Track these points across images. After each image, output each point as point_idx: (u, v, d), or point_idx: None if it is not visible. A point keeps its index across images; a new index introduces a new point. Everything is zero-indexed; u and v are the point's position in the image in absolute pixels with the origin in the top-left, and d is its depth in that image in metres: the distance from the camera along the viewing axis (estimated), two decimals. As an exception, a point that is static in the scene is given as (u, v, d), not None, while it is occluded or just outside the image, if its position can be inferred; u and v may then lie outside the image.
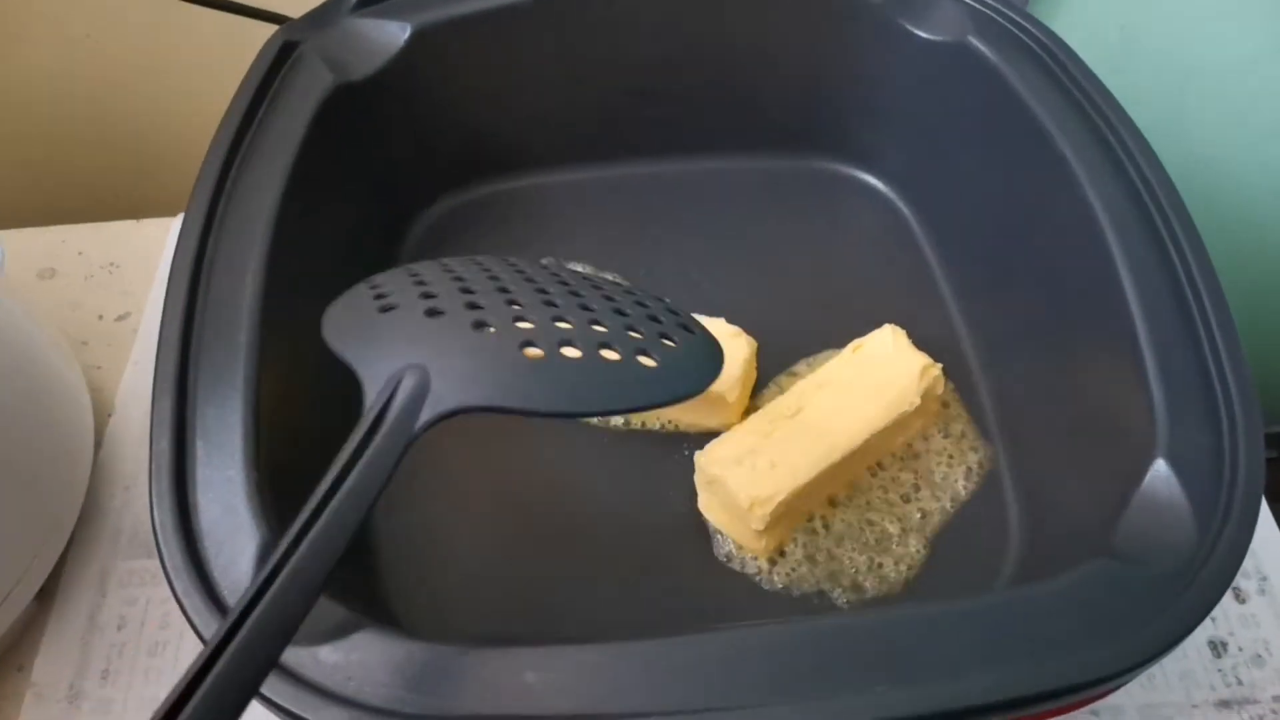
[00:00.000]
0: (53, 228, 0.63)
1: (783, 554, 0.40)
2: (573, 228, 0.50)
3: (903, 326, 0.43)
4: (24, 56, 0.65)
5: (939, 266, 0.47)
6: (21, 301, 0.49)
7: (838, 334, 0.44)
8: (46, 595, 0.48)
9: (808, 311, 0.46)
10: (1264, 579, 0.48)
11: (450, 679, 0.27)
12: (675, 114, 0.49)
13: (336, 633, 0.28)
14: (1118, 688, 0.29)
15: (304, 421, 0.36)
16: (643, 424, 0.43)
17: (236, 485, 0.31)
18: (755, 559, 0.40)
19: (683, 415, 0.43)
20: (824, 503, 0.41)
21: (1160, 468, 0.31)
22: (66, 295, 0.59)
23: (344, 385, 0.39)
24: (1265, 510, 0.50)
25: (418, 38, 0.44)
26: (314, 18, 0.44)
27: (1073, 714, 0.43)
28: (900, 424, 0.41)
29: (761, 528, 0.38)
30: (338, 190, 0.43)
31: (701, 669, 0.27)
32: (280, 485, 0.32)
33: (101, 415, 0.53)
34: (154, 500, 0.30)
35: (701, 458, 0.40)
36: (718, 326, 0.42)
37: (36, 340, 0.49)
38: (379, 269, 0.45)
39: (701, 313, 0.42)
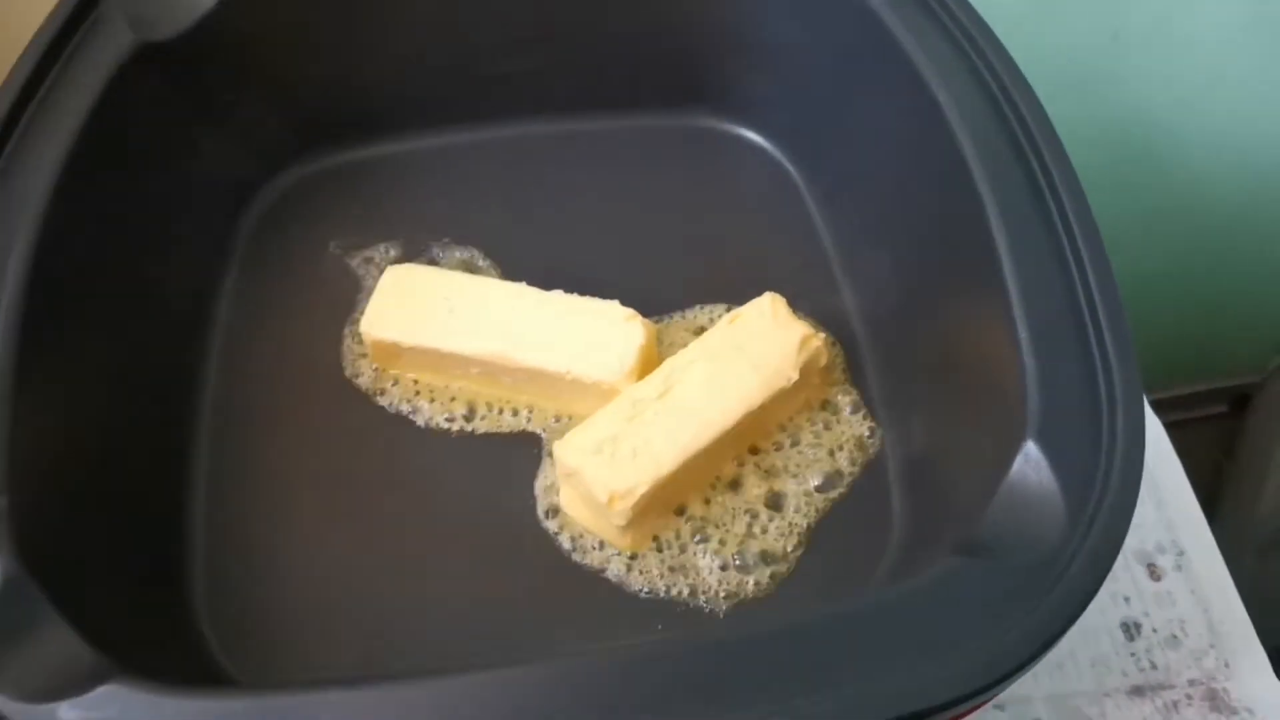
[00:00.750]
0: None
1: (654, 549, 0.36)
2: (433, 199, 0.45)
3: (789, 295, 0.39)
4: None
5: (826, 229, 0.43)
6: None
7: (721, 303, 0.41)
8: None
9: (687, 282, 0.42)
10: (1180, 553, 0.45)
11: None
12: (540, 68, 0.45)
13: (81, 684, 0.24)
14: (982, 704, 0.25)
15: (84, 441, 0.32)
16: (514, 411, 0.39)
17: (-24, 511, 0.27)
18: (617, 556, 0.36)
19: (572, 404, 0.39)
20: (696, 491, 0.37)
21: (1030, 451, 0.28)
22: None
23: (133, 393, 0.36)
24: (1184, 482, 0.47)
25: (237, -14, 0.39)
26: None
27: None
28: (778, 401, 0.38)
29: (624, 523, 0.35)
30: (149, 164, 0.38)
31: (529, 705, 0.24)
32: (37, 511, 0.28)
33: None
34: None
35: (559, 448, 0.36)
36: (611, 310, 0.39)
37: None
38: (204, 250, 0.42)
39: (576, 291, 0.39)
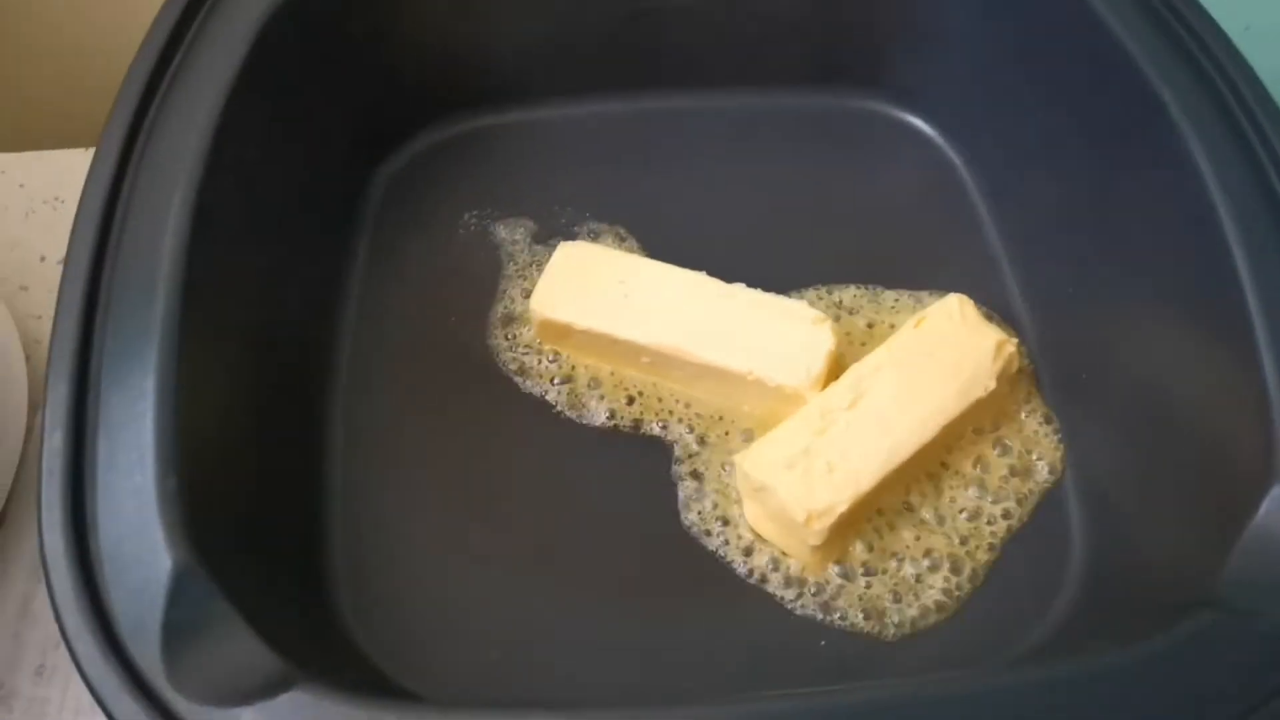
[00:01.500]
0: (-11, 156, 0.56)
1: (835, 569, 0.34)
2: (571, 172, 0.43)
3: (959, 292, 0.37)
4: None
5: (993, 226, 0.41)
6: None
7: (884, 306, 0.39)
8: (-27, 578, 0.44)
9: (839, 264, 0.40)
10: None
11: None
12: (689, 39, 0.42)
13: (264, 690, 0.23)
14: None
15: (235, 416, 0.30)
16: (669, 411, 0.37)
17: (146, 496, 0.25)
18: (775, 569, 0.34)
19: (746, 403, 0.37)
20: (887, 507, 0.36)
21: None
22: (4, 233, 0.53)
23: (272, 371, 0.34)
24: None
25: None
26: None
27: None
28: (974, 411, 0.36)
29: (819, 543, 0.33)
30: (286, 127, 0.36)
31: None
32: (202, 496, 0.26)
33: (39, 374, 0.48)
34: (42, 516, 0.25)
35: (746, 462, 0.34)
36: (798, 310, 0.37)
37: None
38: (336, 220, 0.40)
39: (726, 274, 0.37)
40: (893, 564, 0.34)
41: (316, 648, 0.29)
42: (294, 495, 0.34)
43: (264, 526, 0.30)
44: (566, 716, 0.23)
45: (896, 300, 0.40)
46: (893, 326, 0.39)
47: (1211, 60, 0.32)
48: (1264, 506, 0.25)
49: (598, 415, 0.37)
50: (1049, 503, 0.35)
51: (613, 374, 0.38)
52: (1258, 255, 0.28)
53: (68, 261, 0.28)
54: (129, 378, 0.27)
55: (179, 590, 0.24)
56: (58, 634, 0.42)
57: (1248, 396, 0.27)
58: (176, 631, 0.24)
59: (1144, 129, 0.32)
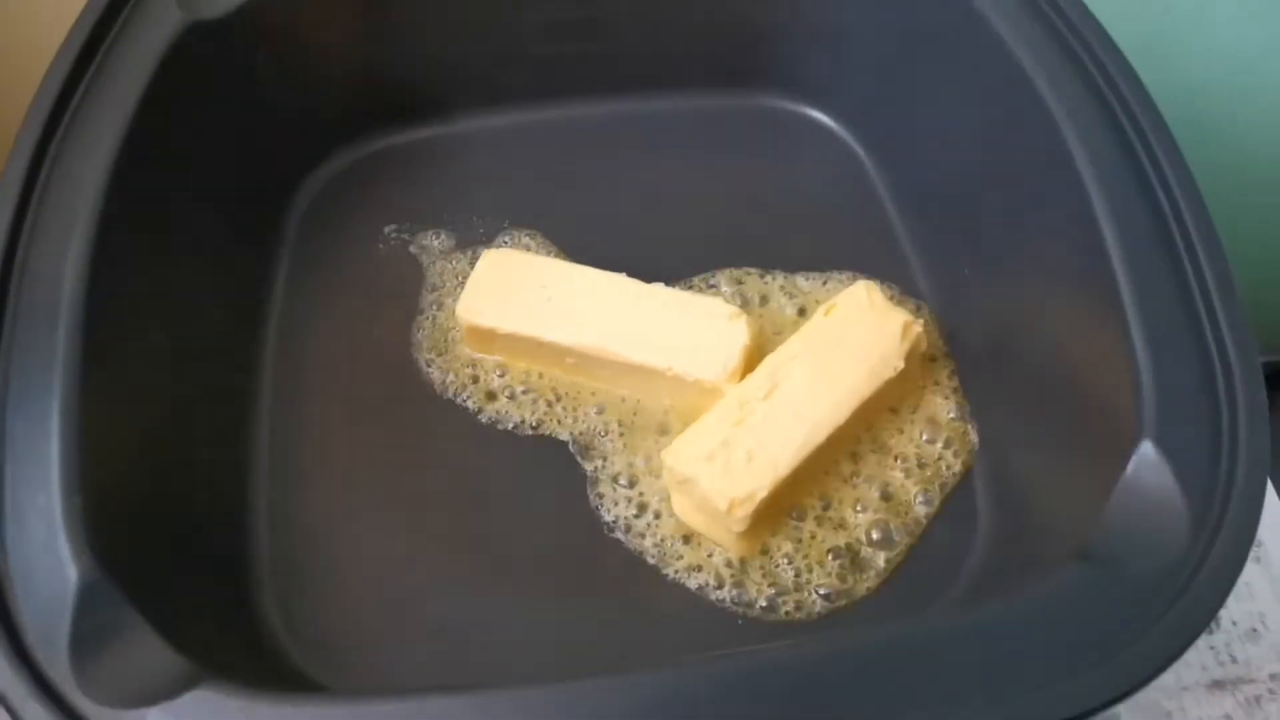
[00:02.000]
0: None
1: (761, 553, 0.35)
2: (488, 182, 0.44)
3: (866, 278, 0.38)
4: None
5: (897, 216, 0.42)
6: None
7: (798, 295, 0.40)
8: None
9: (763, 264, 0.41)
10: (1259, 545, 0.44)
11: (303, 744, 0.23)
12: (598, 46, 0.43)
13: (170, 689, 0.24)
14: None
15: (150, 432, 0.31)
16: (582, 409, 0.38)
17: (52, 515, 0.26)
18: (703, 563, 0.35)
19: (667, 398, 0.38)
20: (805, 490, 0.36)
21: (1147, 452, 0.26)
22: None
23: (192, 387, 0.35)
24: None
25: (288, -35, 0.38)
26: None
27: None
28: (887, 390, 0.37)
29: (743, 529, 0.34)
30: (197, 148, 0.37)
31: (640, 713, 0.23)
32: (112, 511, 0.27)
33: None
34: (-53, 539, 0.25)
35: (670, 457, 0.35)
36: (714, 307, 0.38)
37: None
38: (257, 237, 0.41)
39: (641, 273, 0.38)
40: (815, 546, 0.35)
41: (234, 649, 0.30)
42: (217, 504, 0.34)
43: (184, 535, 0.31)
44: (464, 698, 0.23)
45: (809, 282, 0.41)
46: (803, 310, 0.40)
47: (1085, 49, 0.34)
48: (1132, 463, 0.26)
49: (515, 419, 0.38)
50: (959, 473, 0.36)
51: (537, 377, 0.39)
52: (1127, 235, 0.30)
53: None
54: (32, 404, 0.27)
55: (85, 601, 0.25)
56: None
57: (1120, 365, 0.28)
58: (84, 640, 0.24)
59: (1023, 116, 0.34)
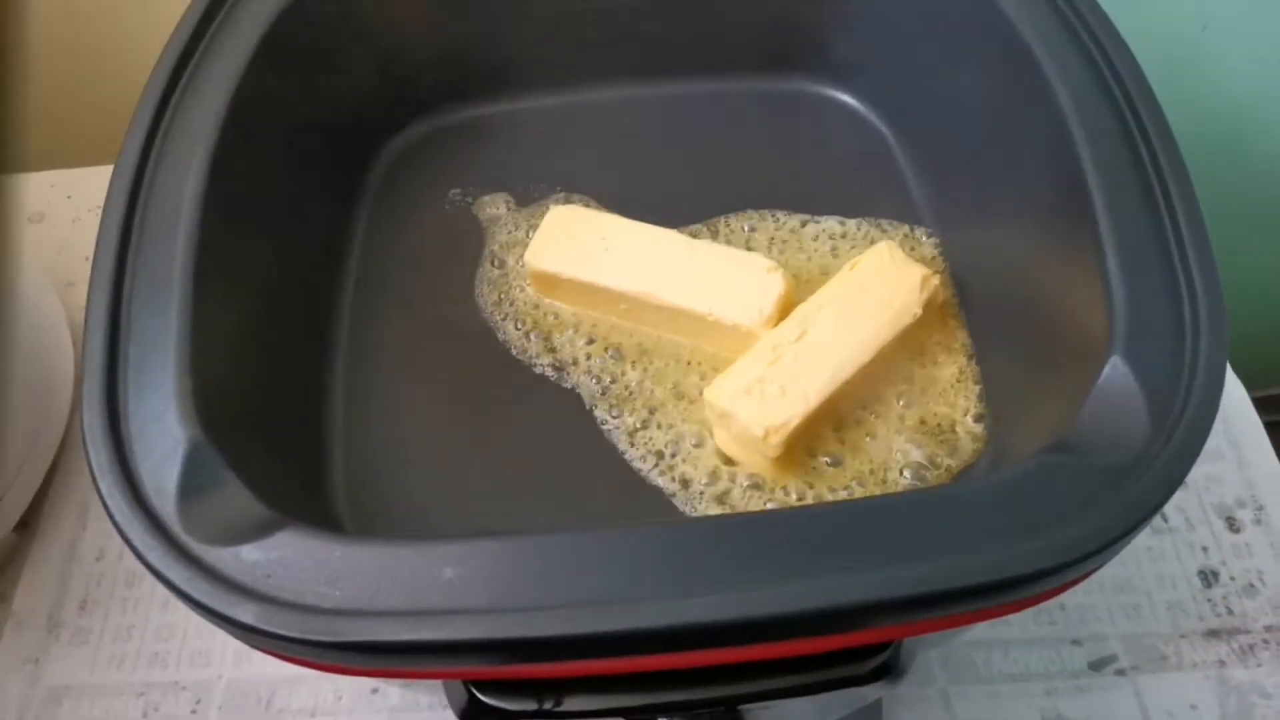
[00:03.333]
0: (42, 173, 0.63)
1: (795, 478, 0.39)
2: (547, 154, 0.49)
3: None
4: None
5: (916, 187, 0.46)
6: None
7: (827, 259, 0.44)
8: (28, 526, 0.49)
9: (794, 239, 0.45)
10: (1260, 508, 0.46)
11: (368, 575, 0.27)
12: (648, 33, 0.48)
13: (259, 532, 0.28)
14: (1058, 587, 0.27)
15: (247, 333, 0.36)
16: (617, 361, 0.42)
17: (167, 390, 0.30)
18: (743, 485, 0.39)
19: (708, 342, 0.42)
20: (832, 424, 0.40)
21: (1117, 365, 0.30)
22: (55, 238, 0.60)
23: (284, 305, 0.40)
24: (1264, 441, 0.48)
25: (378, -46, 0.43)
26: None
27: (1057, 641, 0.43)
28: (905, 337, 0.40)
29: (777, 455, 0.38)
30: (293, 114, 0.42)
31: (621, 561, 0.26)
32: (214, 391, 0.32)
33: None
34: (84, 401, 0.30)
35: (710, 393, 0.39)
36: (754, 260, 0.42)
37: (18, 281, 0.50)
38: (342, 196, 0.46)
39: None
40: (843, 470, 0.39)
41: (307, 510, 0.34)
42: (300, 399, 0.39)
43: (271, 417, 0.36)
44: (505, 541, 0.27)
45: (842, 227, 0.45)
46: (826, 239, 0.45)
47: (1083, 25, 0.37)
48: (1104, 373, 0.30)
49: (556, 358, 0.42)
50: (966, 400, 0.40)
51: (590, 325, 0.43)
52: (1105, 173, 0.33)
53: (105, 210, 0.34)
54: (155, 300, 0.32)
55: (191, 460, 0.29)
56: (99, 573, 0.48)
57: (1097, 291, 0.32)
58: (189, 490, 0.29)
59: (1022, 80, 0.37)
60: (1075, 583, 0.28)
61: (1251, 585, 0.44)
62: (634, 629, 0.25)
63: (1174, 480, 0.27)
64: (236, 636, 0.27)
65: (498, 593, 0.26)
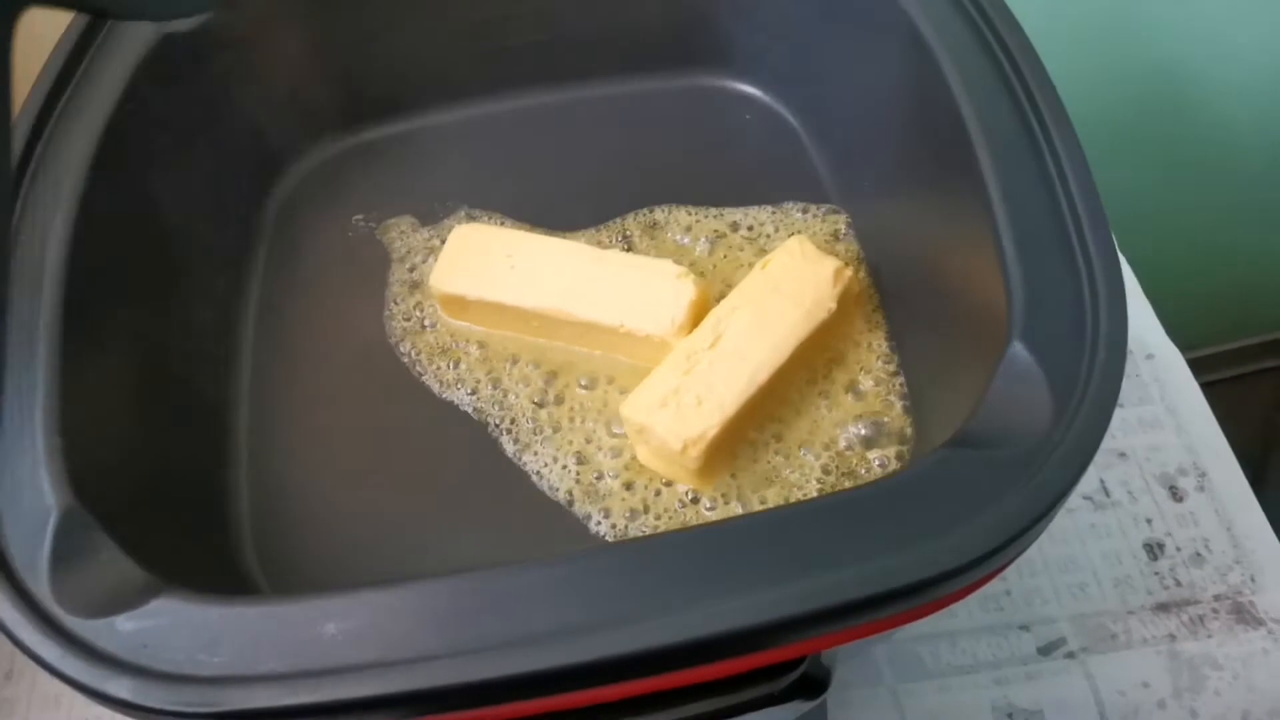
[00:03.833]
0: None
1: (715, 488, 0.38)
2: (448, 171, 0.47)
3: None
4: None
5: (825, 168, 0.45)
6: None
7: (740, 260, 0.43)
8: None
9: (709, 237, 0.44)
10: (1203, 474, 0.45)
11: (248, 638, 0.26)
12: (542, 40, 0.47)
13: (135, 600, 0.27)
14: (979, 581, 0.26)
15: (126, 387, 0.35)
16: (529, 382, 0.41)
17: (36, 454, 0.29)
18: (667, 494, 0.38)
19: (624, 354, 0.41)
20: (754, 426, 0.39)
21: (1017, 351, 0.29)
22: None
23: (174, 353, 0.38)
24: (1204, 406, 0.48)
25: (251, -20, 0.42)
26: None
27: (1004, 627, 0.42)
28: (821, 332, 0.39)
29: (697, 467, 0.37)
30: (176, 151, 0.40)
31: (510, 600, 0.25)
32: (93, 453, 0.30)
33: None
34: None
35: (625, 408, 0.38)
36: (663, 267, 0.40)
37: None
38: (238, 231, 0.45)
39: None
40: (767, 476, 0.38)
41: (201, 568, 0.33)
42: (195, 451, 0.38)
43: (161, 470, 0.35)
44: (398, 588, 0.26)
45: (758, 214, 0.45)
46: (735, 226, 0.45)
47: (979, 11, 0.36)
48: (1005, 359, 0.29)
49: (474, 381, 0.41)
50: (887, 394, 0.39)
51: (503, 345, 0.42)
52: (998, 155, 0.32)
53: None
54: (19, 360, 0.31)
55: (63, 527, 0.28)
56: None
57: (996, 276, 0.31)
58: (61, 560, 0.27)
59: (916, 64, 0.36)
60: (987, 579, 0.27)
61: (1198, 554, 0.43)
62: (524, 672, 0.24)
63: (1079, 465, 0.26)
64: (116, 711, 0.26)
65: (383, 646, 0.25)
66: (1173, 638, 0.41)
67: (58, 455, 0.29)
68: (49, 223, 0.33)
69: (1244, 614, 0.41)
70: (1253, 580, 0.42)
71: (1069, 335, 0.29)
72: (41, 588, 0.27)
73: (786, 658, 0.26)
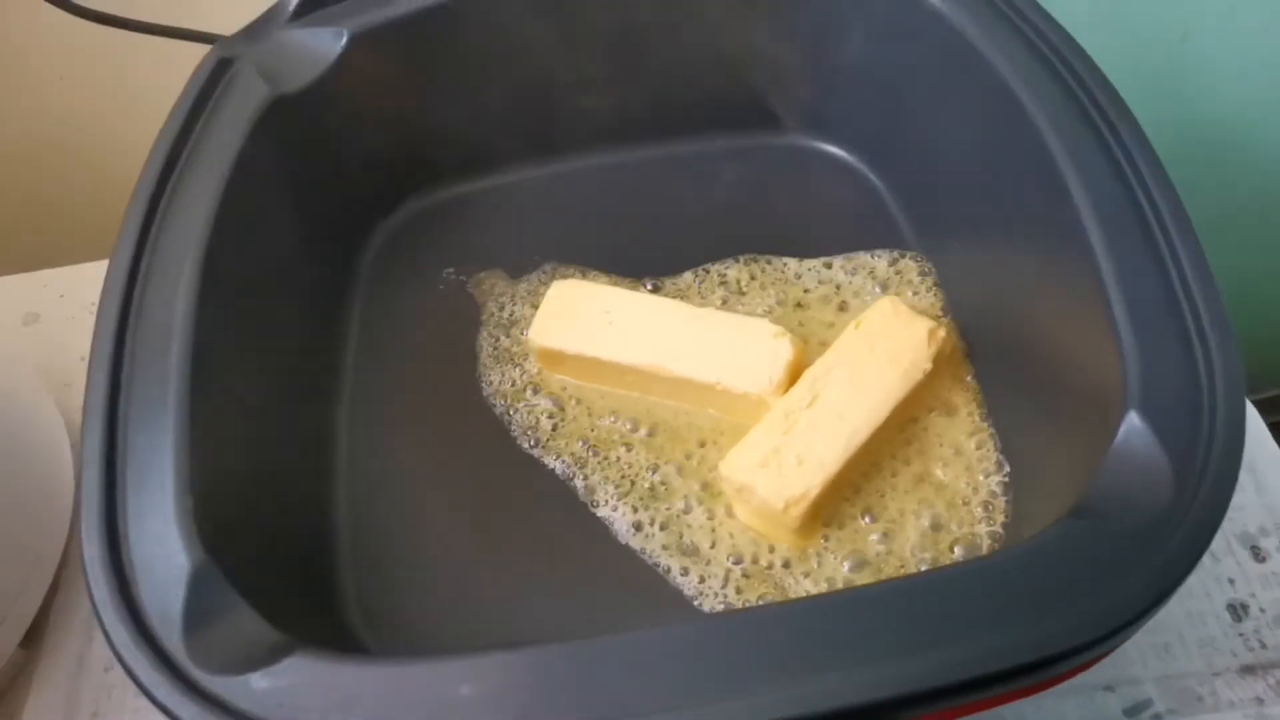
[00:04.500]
0: (34, 273, 0.63)
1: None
2: (535, 227, 0.48)
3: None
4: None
5: (911, 231, 0.46)
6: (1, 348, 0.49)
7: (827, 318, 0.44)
8: (33, 640, 0.48)
9: (795, 303, 0.45)
10: (1286, 537, 0.45)
11: (384, 698, 0.26)
12: (629, 99, 0.48)
13: (269, 658, 0.27)
14: (1099, 657, 0.27)
15: (243, 446, 0.35)
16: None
17: (167, 512, 0.30)
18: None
19: (719, 411, 0.42)
20: (852, 488, 0.39)
21: (1134, 421, 0.29)
22: (50, 339, 0.59)
23: (282, 407, 0.39)
24: (1281, 462, 0.48)
25: (355, 42, 0.43)
26: (249, 32, 0.43)
27: (1089, 688, 0.42)
28: (917, 392, 0.40)
29: (797, 527, 0.37)
30: (283, 204, 0.42)
31: (643, 666, 0.26)
32: (217, 509, 0.31)
33: (82, 456, 0.53)
34: (84, 534, 0.29)
35: (725, 468, 0.38)
36: (761, 326, 0.41)
37: (13, 386, 0.50)
38: (333, 287, 0.46)
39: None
40: (866, 537, 0.38)
41: (318, 627, 0.33)
42: (302, 504, 0.39)
43: (275, 529, 0.35)
44: (520, 653, 0.26)
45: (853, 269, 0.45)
46: (821, 283, 0.45)
47: (1057, 55, 0.37)
48: (1120, 432, 0.29)
49: (561, 440, 0.42)
50: (982, 458, 0.39)
51: (600, 400, 0.43)
52: (1100, 212, 0.33)
53: (97, 328, 0.33)
54: (150, 422, 0.32)
55: (196, 585, 0.29)
56: (109, 684, 0.47)
57: (1106, 344, 0.31)
58: (195, 618, 0.28)
59: (1008, 125, 0.37)
60: (1108, 652, 0.27)
61: (1283, 616, 0.43)
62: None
63: (1203, 539, 0.27)
64: (253, 768, 0.27)
65: (520, 709, 0.25)
66: (1260, 701, 0.41)
67: (189, 514, 0.30)
68: (178, 273, 0.34)
69: (1332, 678, 0.41)
70: (1339, 643, 0.42)
71: (1186, 406, 0.29)
72: (176, 646, 0.28)
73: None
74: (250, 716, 0.26)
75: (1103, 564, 0.26)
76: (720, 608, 0.37)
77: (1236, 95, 0.81)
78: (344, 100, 0.44)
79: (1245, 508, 0.46)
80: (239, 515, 0.32)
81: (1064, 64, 0.36)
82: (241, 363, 0.36)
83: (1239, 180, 0.85)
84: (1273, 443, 0.48)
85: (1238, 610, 0.43)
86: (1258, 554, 0.45)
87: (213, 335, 0.34)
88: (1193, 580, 0.44)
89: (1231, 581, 0.44)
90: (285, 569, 0.35)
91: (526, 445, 0.42)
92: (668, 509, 0.39)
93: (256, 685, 0.27)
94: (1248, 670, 0.42)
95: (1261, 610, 0.43)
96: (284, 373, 0.40)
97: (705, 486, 0.40)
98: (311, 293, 0.44)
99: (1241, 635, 0.43)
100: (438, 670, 0.27)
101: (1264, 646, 0.42)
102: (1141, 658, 0.42)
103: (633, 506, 0.39)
